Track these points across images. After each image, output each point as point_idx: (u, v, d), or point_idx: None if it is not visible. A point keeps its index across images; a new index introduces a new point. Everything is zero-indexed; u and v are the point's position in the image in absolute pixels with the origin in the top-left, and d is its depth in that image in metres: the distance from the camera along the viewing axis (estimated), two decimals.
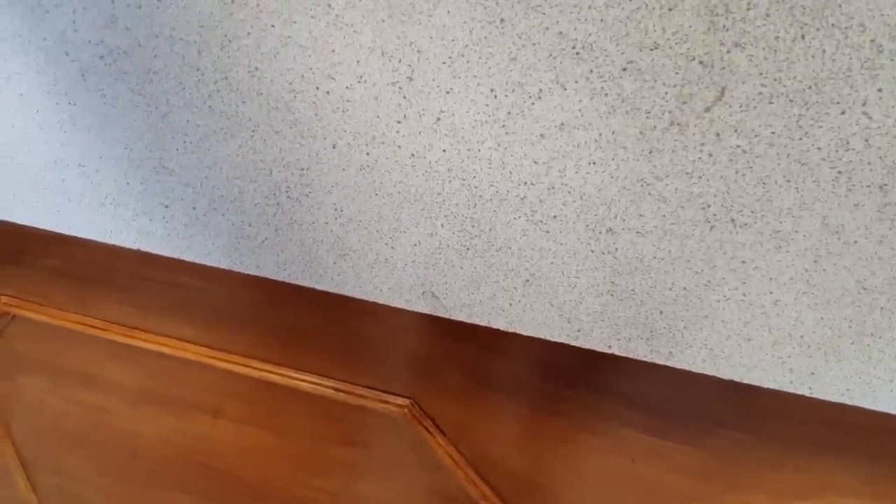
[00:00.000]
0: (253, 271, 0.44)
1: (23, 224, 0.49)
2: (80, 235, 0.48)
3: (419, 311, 0.42)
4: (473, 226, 0.37)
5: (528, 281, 0.38)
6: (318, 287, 0.43)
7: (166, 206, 0.44)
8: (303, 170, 0.39)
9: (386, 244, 0.40)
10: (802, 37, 0.28)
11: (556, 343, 0.40)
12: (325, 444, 0.59)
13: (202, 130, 0.40)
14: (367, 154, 0.37)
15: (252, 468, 0.65)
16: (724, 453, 0.44)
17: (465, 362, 0.48)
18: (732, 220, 0.33)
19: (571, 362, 0.44)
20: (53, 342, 0.66)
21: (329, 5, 0.33)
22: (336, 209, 0.40)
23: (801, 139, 0.30)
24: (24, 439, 0.76)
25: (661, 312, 0.37)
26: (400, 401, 0.51)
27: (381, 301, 0.42)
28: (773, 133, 0.30)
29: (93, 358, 0.65)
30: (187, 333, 0.57)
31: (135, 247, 0.46)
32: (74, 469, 0.76)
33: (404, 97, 0.35)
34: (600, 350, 0.39)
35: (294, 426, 0.60)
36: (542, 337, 0.40)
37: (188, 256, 0.46)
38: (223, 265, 0.45)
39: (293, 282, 0.44)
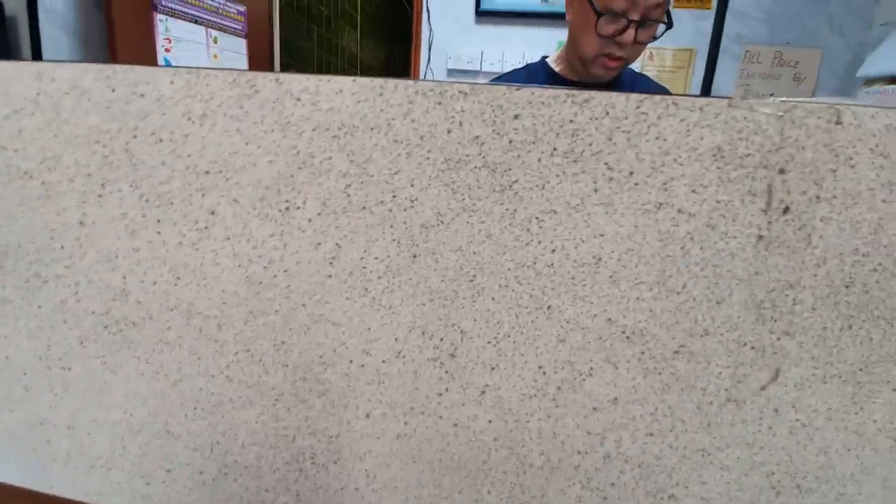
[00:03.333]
0: None
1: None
2: (65, 496, 0.41)
3: None
4: (524, 492, 0.35)
5: None
6: None
7: (168, 471, 0.39)
8: (331, 437, 0.36)
9: None
10: (850, 327, 0.29)
11: None
12: None
13: (217, 398, 0.36)
14: (405, 423, 0.34)
15: None
16: None
17: None
18: (798, 486, 0.32)
19: None
20: None
21: (366, 289, 0.32)
22: (368, 475, 0.36)
23: (856, 413, 0.30)
24: None
25: None
26: None
27: None
28: (830, 409, 0.30)
29: None
30: None
31: None
32: None
33: (446, 372, 0.33)
34: None
35: None
36: None
37: None
38: None
39: None
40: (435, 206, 0.30)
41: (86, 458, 0.40)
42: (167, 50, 1.81)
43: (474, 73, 2.09)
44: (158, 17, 1.76)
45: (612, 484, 0.33)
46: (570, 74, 0.87)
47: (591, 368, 0.31)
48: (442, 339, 0.32)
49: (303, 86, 0.30)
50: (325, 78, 0.29)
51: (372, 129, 0.30)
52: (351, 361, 0.34)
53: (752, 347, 0.30)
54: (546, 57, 0.93)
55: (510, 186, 0.29)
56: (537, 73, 0.92)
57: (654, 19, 0.73)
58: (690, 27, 1.87)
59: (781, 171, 0.28)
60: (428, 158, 0.30)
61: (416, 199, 0.30)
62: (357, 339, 0.33)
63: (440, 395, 0.34)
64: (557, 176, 0.29)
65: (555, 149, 0.29)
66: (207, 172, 0.32)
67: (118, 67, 0.31)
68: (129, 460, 0.39)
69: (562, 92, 0.28)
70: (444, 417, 0.34)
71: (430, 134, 0.29)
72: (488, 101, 0.29)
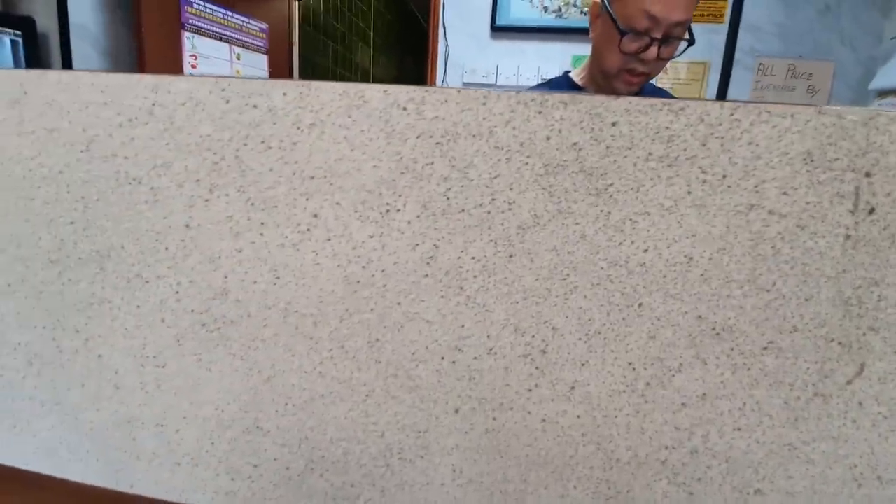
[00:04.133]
0: None
1: (78, 481, 0.44)
2: (147, 495, 0.43)
3: None
4: (609, 487, 0.36)
5: None
6: None
7: (255, 466, 0.40)
8: (419, 432, 0.37)
9: None
10: None
11: None
12: None
13: (308, 394, 0.38)
14: (494, 419, 0.36)
15: None
16: None
17: None
18: (879, 478, 0.33)
19: None
20: None
21: (461, 288, 0.34)
22: (455, 470, 0.37)
23: None
24: None
25: None
26: None
27: None
28: None
29: None
30: None
31: None
32: None
33: (537, 368, 0.34)
34: None
35: None
36: None
37: None
38: None
39: None
40: (532, 209, 0.32)
41: (172, 455, 0.41)
42: (193, 66, 1.85)
43: (490, 87, 2.13)
44: (186, 34, 1.80)
45: (699, 479, 0.34)
46: (591, 88, 0.89)
47: (681, 364, 0.33)
48: (534, 336, 0.34)
49: (409, 96, 0.32)
50: (431, 89, 0.31)
51: (474, 135, 0.32)
52: (443, 358, 0.35)
53: (839, 343, 0.31)
54: (569, 72, 0.96)
55: (605, 189, 0.31)
56: (561, 87, 0.95)
57: (677, 37, 0.75)
58: (704, 40, 1.91)
59: (867, 175, 0.29)
60: (527, 163, 0.32)
61: (514, 202, 0.32)
62: (450, 337, 0.35)
63: (529, 390, 0.35)
64: (652, 179, 0.31)
65: (650, 154, 0.30)
66: (312, 177, 0.34)
67: (234, 80, 0.33)
68: (216, 457, 0.41)
69: (658, 101, 0.30)
70: (533, 413, 0.35)
71: (530, 140, 0.31)
72: (587, 109, 0.30)
